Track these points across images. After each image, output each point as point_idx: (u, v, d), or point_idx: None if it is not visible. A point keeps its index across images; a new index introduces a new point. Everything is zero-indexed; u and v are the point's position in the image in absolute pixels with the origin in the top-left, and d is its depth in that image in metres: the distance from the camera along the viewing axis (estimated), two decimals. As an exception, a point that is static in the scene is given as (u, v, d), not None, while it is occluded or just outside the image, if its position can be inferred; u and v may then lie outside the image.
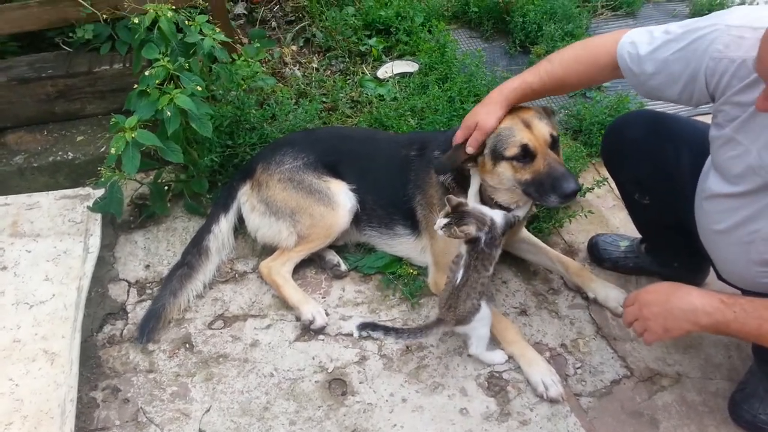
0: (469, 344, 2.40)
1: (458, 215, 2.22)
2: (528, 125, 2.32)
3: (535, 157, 2.30)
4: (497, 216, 2.29)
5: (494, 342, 2.47)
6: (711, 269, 2.46)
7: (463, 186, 2.52)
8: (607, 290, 2.61)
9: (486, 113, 2.32)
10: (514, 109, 2.36)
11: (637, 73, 2.04)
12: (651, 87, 2.05)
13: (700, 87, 1.89)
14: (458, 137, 2.38)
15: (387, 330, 2.42)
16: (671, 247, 2.59)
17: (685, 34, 1.92)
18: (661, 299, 1.92)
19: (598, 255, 2.81)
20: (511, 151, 2.30)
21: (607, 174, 2.68)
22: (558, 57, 2.26)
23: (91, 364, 2.40)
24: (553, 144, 2.35)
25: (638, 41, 2.04)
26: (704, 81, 1.87)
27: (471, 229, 2.20)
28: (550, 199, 2.29)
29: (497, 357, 2.43)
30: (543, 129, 2.33)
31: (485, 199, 2.47)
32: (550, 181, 2.26)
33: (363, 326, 2.43)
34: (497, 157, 2.33)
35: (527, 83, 2.28)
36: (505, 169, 2.34)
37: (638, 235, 2.75)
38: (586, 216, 2.97)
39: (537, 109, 2.41)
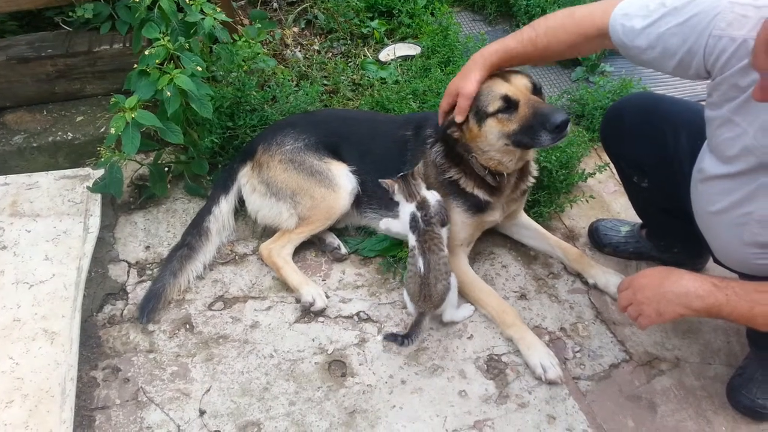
0: (443, 315, 2.46)
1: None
2: (506, 79, 2.33)
3: (518, 105, 2.28)
4: (431, 196, 2.42)
5: (494, 324, 2.49)
6: (710, 256, 2.47)
7: (452, 162, 2.53)
8: (608, 276, 2.61)
9: (464, 78, 2.30)
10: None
11: (630, 47, 1.99)
12: (644, 60, 2.01)
13: (697, 63, 1.85)
14: (443, 105, 2.38)
15: (402, 339, 2.35)
16: (671, 231, 2.59)
17: (683, 8, 1.85)
18: (654, 283, 1.92)
19: (598, 240, 2.81)
20: (494, 105, 2.29)
21: (608, 159, 2.66)
22: (543, 24, 2.21)
23: (92, 344, 2.40)
24: (536, 91, 2.34)
25: (632, 13, 1.97)
26: (702, 58, 1.83)
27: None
28: (542, 138, 2.24)
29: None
30: (521, 79, 2.34)
31: (478, 168, 2.47)
32: (538, 120, 2.23)
33: (387, 337, 2.40)
34: (481, 116, 2.32)
35: (507, 47, 2.25)
36: (491, 126, 2.32)
37: (639, 221, 2.74)
38: (587, 201, 2.97)
39: (516, 69, 2.40)
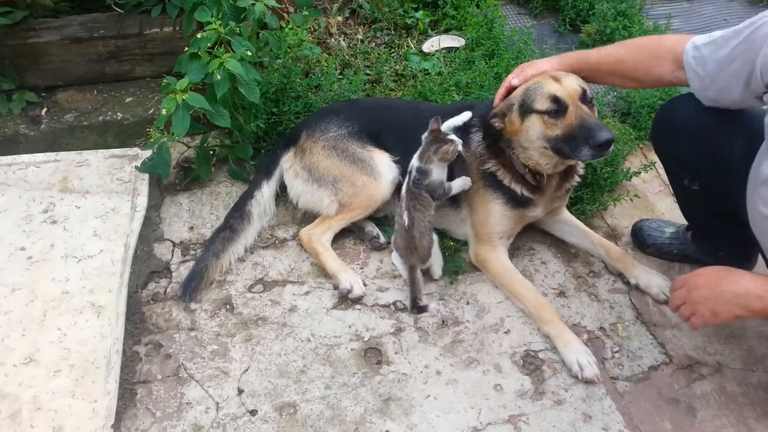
0: (432, 272, 2.61)
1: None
2: (557, 79, 2.31)
3: (566, 110, 2.26)
4: (437, 174, 2.50)
5: (531, 320, 2.47)
6: (758, 260, 2.41)
7: (492, 153, 2.53)
8: (650, 277, 2.57)
9: (547, 62, 2.41)
10: None
11: (702, 76, 2.04)
12: (716, 89, 2.03)
13: (756, 78, 1.85)
14: (510, 78, 2.44)
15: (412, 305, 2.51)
16: (718, 235, 2.53)
17: (743, 29, 1.89)
18: (712, 282, 1.88)
19: (641, 240, 2.76)
20: (541, 103, 2.27)
21: (654, 158, 2.62)
22: (623, 41, 2.33)
23: (135, 320, 2.46)
24: (585, 98, 2.31)
25: (701, 44, 2.04)
26: (759, 70, 1.82)
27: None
28: (582, 152, 2.23)
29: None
30: (572, 82, 2.31)
31: (518, 166, 2.46)
32: (583, 132, 2.21)
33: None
34: (526, 111, 2.32)
35: (586, 55, 2.37)
36: (534, 123, 2.31)
37: (684, 222, 2.69)
38: (631, 200, 2.92)
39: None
